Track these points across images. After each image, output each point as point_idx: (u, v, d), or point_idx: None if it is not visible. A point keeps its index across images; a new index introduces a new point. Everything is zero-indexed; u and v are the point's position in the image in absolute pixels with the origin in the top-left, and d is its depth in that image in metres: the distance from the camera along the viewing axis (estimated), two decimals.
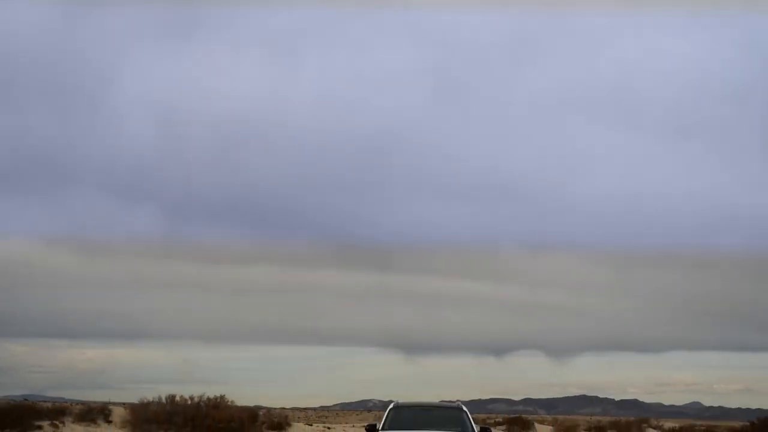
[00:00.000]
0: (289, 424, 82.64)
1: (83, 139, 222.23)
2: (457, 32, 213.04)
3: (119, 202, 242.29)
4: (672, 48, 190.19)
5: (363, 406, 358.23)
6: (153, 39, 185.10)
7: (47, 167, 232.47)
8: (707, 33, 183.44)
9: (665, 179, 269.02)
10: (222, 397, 64.20)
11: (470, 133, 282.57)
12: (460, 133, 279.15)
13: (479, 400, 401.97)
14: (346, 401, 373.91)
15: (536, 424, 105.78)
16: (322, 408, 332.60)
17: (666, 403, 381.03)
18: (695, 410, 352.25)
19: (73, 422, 68.91)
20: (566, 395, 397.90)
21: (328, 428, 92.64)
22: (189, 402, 62.53)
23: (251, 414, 70.72)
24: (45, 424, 61.54)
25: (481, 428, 16.86)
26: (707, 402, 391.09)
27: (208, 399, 63.22)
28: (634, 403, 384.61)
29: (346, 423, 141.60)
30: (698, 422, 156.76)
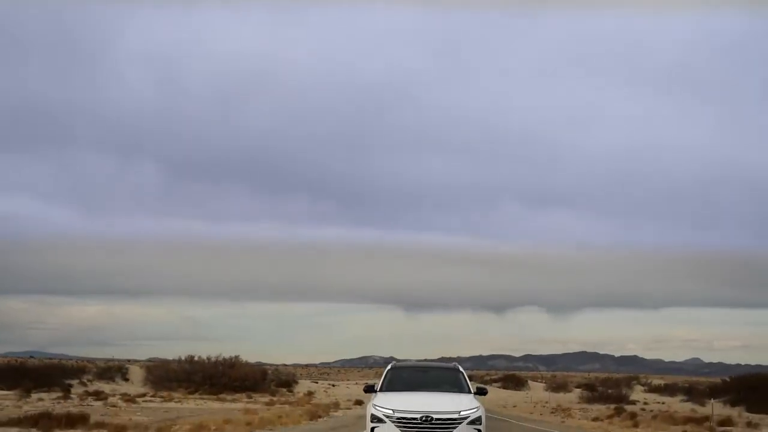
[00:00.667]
0: (296, 382, 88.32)
1: (84, 97, 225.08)
2: None
3: (120, 159, 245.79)
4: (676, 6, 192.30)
5: (364, 363, 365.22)
6: None
7: (48, 126, 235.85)
8: None
9: (665, 134, 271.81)
10: (236, 357, 69.92)
11: (470, 89, 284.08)
12: (460, 90, 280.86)
13: (480, 356, 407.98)
14: (347, 358, 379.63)
15: (530, 382, 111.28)
16: (323, 364, 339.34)
17: (665, 359, 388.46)
18: (694, 366, 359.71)
19: (91, 380, 74.36)
20: (566, 351, 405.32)
21: (333, 385, 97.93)
22: (206, 362, 68.06)
23: (262, 372, 76.39)
24: (74, 382, 66.89)
25: (477, 387, 17.00)
26: (707, 358, 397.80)
27: (224, 359, 68.82)
28: (633, 359, 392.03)
29: (348, 380, 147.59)
30: (696, 378, 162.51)
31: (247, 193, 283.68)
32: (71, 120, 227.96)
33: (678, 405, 67.69)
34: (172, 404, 46.48)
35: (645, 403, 70.44)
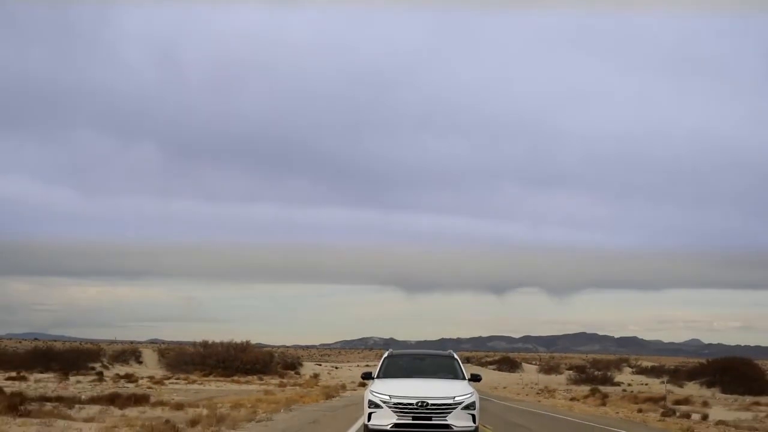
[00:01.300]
0: (301, 365, 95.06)
1: (83, 77, 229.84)
2: None
3: (119, 140, 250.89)
4: None
5: (363, 344, 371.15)
6: None
7: (47, 106, 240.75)
8: None
9: (666, 115, 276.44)
10: (247, 341, 76.55)
11: (470, 71, 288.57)
12: (460, 71, 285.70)
13: (479, 337, 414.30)
14: (347, 339, 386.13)
15: (524, 364, 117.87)
16: (324, 346, 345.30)
17: (665, 340, 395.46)
18: (694, 347, 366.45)
19: (112, 363, 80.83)
20: (566, 333, 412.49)
21: (335, 368, 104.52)
22: (220, 346, 74.68)
23: (270, 355, 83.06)
24: (97, 365, 73.32)
25: (471, 375, 17.66)
26: (706, 339, 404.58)
27: (236, 343, 75.32)
28: (633, 341, 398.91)
29: (348, 361, 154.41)
30: (696, 359, 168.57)
31: (246, 174, 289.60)
32: (70, 100, 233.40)
33: (657, 386, 74.26)
34: (196, 386, 52.77)
35: (629, 385, 77.07)
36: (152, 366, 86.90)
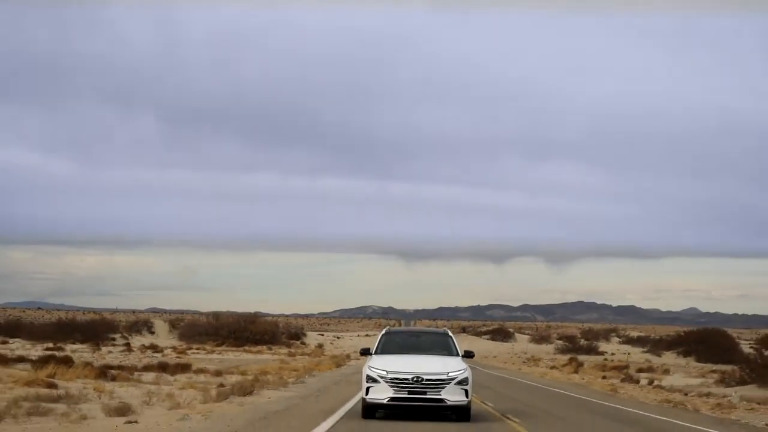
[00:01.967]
0: (304, 334, 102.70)
1: (81, 46, 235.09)
2: None
3: (118, 109, 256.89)
4: None
5: (362, 313, 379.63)
6: None
7: (46, 76, 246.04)
8: None
9: (666, 85, 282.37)
10: (256, 313, 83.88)
11: (471, 40, 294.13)
12: (460, 40, 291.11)
13: (478, 306, 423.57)
14: (346, 308, 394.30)
15: (516, 334, 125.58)
16: (322, 314, 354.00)
17: (663, 309, 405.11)
18: (692, 316, 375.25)
19: (130, 334, 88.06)
20: (564, 301, 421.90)
21: (337, 337, 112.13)
22: (231, 317, 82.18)
23: (276, 326, 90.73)
24: (117, 336, 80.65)
25: (464, 351, 18.60)
26: (704, 308, 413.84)
27: (246, 315, 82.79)
28: (631, 309, 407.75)
29: (348, 330, 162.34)
30: (693, 328, 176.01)
31: (245, 143, 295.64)
32: (68, 69, 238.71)
33: (638, 356, 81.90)
34: (215, 356, 59.99)
35: (612, 354, 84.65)
36: (164, 336, 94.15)
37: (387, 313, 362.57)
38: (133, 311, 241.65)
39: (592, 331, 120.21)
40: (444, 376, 17.09)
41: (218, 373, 36.03)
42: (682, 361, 74.67)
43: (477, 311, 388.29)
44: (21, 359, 36.76)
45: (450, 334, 19.52)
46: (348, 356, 61.67)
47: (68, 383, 25.60)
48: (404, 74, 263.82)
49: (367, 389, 17.33)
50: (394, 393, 17.02)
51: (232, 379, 31.58)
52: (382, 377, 17.18)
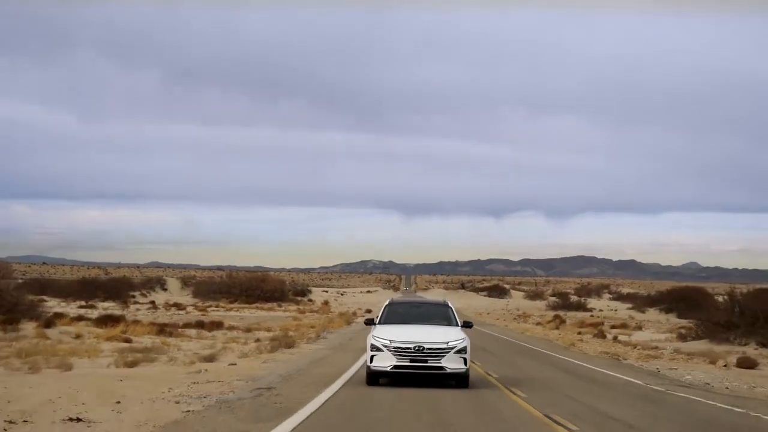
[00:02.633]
0: (309, 291, 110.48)
1: (82, 1, 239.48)
2: None
3: (119, 63, 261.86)
4: None
5: (363, 267, 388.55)
6: None
7: (46, 30, 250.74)
8: None
9: (667, 41, 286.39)
10: (266, 272, 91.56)
11: None
12: None
13: (478, 260, 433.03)
14: (347, 262, 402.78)
15: (511, 291, 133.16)
16: (323, 269, 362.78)
17: (663, 263, 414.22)
18: (692, 271, 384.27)
19: (148, 292, 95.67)
20: (564, 256, 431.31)
21: (341, 294, 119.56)
22: (243, 276, 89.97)
23: (283, 283, 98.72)
24: (137, 293, 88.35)
25: (463, 322, 19.93)
26: (704, 262, 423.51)
27: (257, 274, 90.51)
28: (631, 264, 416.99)
29: (350, 286, 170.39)
30: (694, 283, 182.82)
31: (246, 98, 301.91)
32: (69, 23, 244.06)
33: (624, 312, 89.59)
34: (233, 313, 67.48)
35: (600, 311, 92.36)
36: (176, 293, 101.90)
37: (387, 267, 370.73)
38: (137, 266, 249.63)
39: (586, 288, 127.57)
40: (444, 345, 18.45)
41: (248, 330, 43.26)
42: (662, 318, 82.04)
43: (477, 266, 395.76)
44: (81, 318, 44.08)
45: (450, 304, 21.03)
46: (354, 314, 69.20)
47: (140, 338, 33.00)
48: (404, 28, 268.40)
49: (372, 357, 18.71)
50: (397, 361, 18.41)
51: (262, 334, 38.55)
52: (385, 346, 18.49)
